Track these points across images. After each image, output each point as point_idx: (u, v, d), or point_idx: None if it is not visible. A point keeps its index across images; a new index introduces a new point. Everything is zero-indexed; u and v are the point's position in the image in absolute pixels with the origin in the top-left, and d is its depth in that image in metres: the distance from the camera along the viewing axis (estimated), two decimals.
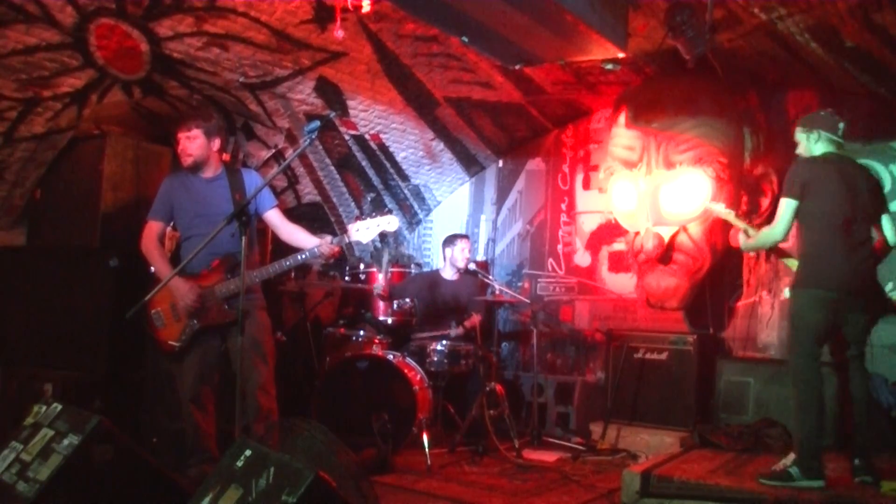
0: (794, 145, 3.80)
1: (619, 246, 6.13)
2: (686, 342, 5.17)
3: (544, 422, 5.71)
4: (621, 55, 4.21)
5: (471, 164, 6.94)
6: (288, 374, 5.08)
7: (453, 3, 3.53)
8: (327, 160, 6.12)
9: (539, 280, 6.63)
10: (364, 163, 6.31)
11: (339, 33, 4.33)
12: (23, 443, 2.86)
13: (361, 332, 5.30)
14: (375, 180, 6.56)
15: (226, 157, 4.18)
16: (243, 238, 3.19)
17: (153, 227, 3.78)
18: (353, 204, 6.65)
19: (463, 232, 6.71)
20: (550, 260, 6.60)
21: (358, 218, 3.74)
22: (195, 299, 3.58)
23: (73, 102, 4.43)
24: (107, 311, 4.24)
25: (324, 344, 5.50)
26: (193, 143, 3.72)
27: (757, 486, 3.48)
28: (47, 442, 2.76)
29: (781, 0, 3.98)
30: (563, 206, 6.57)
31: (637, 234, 5.51)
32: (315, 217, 6.50)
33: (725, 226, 4.91)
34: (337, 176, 6.33)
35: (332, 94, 5.30)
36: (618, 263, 6.17)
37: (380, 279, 6.05)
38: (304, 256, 3.65)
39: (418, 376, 4.97)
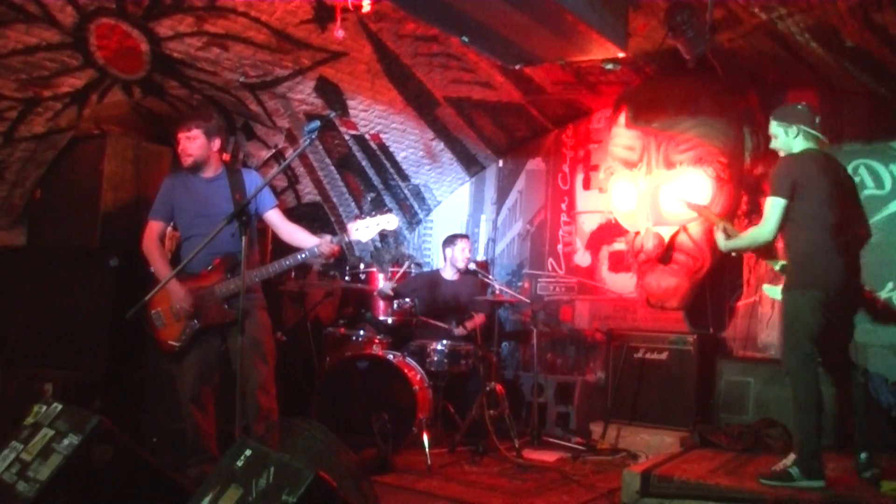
0: None
1: (619, 246, 6.13)
2: (686, 342, 5.17)
3: (544, 422, 5.70)
4: (621, 55, 4.21)
5: (471, 164, 6.94)
6: (288, 374, 5.08)
7: (453, 3, 3.53)
8: (327, 160, 6.12)
9: (539, 280, 6.63)
10: (364, 163, 6.31)
11: (340, 33, 4.33)
12: (23, 442, 2.86)
13: (361, 332, 5.30)
14: (375, 180, 6.56)
15: (226, 157, 4.18)
16: (243, 238, 3.19)
17: (154, 227, 3.79)
18: (353, 204, 6.65)
19: (463, 232, 6.71)
20: (550, 260, 6.60)
21: (357, 217, 3.73)
22: (190, 304, 3.58)
23: (74, 102, 4.43)
24: (107, 311, 4.24)
25: (324, 344, 5.50)
26: (193, 143, 3.72)
27: (757, 485, 3.48)
28: (47, 442, 2.76)
29: (781, 0, 3.98)
30: (564, 206, 6.57)
31: (637, 233, 5.52)
32: (315, 217, 6.50)
33: None
34: (337, 176, 6.33)
35: (332, 94, 5.30)
36: (618, 263, 6.17)
37: (380, 279, 6.06)
38: (303, 256, 3.65)
39: (418, 376, 4.97)
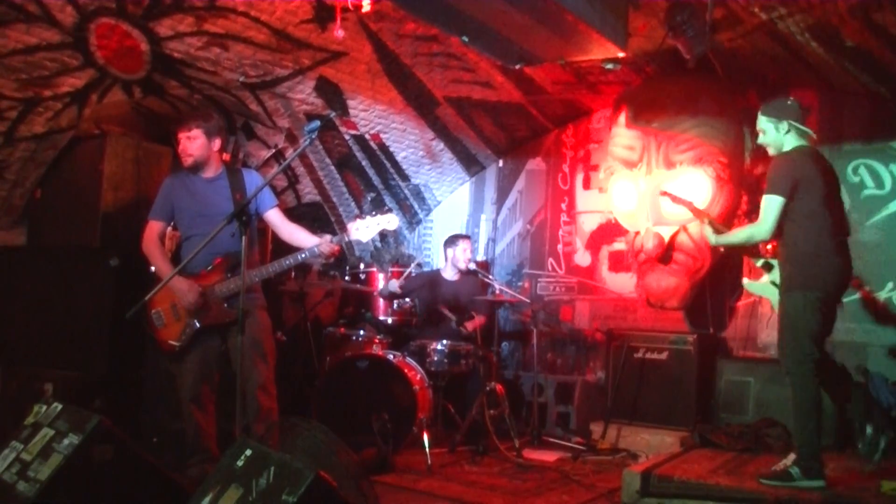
0: None
1: (619, 246, 6.13)
2: (686, 342, 5.17)
3: (544, 421, 5.70)
4: (621, 55, 4.20)
5: (471, 164, 6.94)
6: (288, 374, 5.09)
7: (453, 3, 3.53)
8: (327, 160, 6.12)
9: (539, 280, 6.63)
10: (364, 162, 6.31)
11: (340, 33, 4.34)
12: (23, 442, 2.86)
13: (361, 332, 5.30)
14: (375, 180, 6.56)
15: (226, 156, 4.18)
16: (243, 238, 3.19)
17: (154, 227, 3.79)
18: (353, 204, 6.65)
19: (463, 232, 6.71)
20: (550, 260, 6.60)
21: (358, 216, 3.73)
22: (196, 298, 3.58)
23: (74, 102, 4.43)
24: (107, 311, 4.24)
25: (324, 344, 5.50)
26: (194, 143, 3.72)
27: (757, 485, 3.48)
28: (48, 441, 2.76)
29: (781, 0, 3.98)
30: (564, 206, 6.57)
31: (637, 233, 5.51)
32: (315, 217, 6.50)
33: (725, 225, 4.91)
34: (337, 176, 6.33)
35: (332, 94, 5.30)
36: (618, 263, 6.17)
37: (380, 279, 6.06)
38: (303, 256, 3.65)
39: (418, 376, 4.97)
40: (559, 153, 6.64)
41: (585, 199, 6.45)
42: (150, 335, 3.73)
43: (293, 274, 5.54)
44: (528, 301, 6.05)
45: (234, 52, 4.54)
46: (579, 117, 6.47)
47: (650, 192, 5.36)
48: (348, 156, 6.16)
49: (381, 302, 6.00)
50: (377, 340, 5.18)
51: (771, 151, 3.74)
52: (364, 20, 4.52)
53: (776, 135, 3.64)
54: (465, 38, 3.93)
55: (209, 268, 3.67)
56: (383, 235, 6.99)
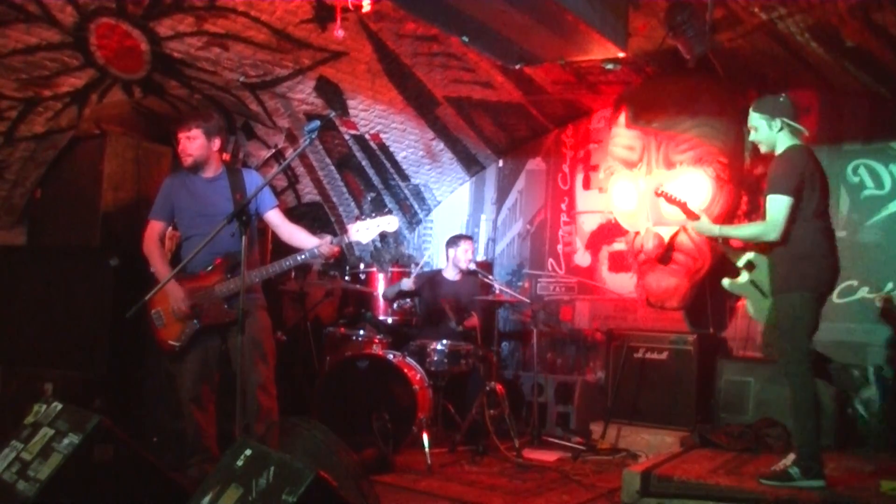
0: None
1: (619, 246, 6.13)
2: (686, 342, 5.17)
3: (544, 421, 5.70)
4: (621, 55, 4.21)
5: (471, 164, 6.94)
6: (288, 374, 5.08)
7: (453, 3, 3.53)
8: (327, 160, 6.12)
9: (539, 280, 6.63)
10: (364, 162, 6.31)
11: (340, 33, 4.33)
12: (23, 442, 2.86)
13: (361, 332, 5.30)
14: (375, 180, 6.56)
15: (226, 156, 4.18)
16: (243, 238, 3.19)
17: (154, 227, 3.78)
18: (353, 204, 6.65)
19: (463, 232, 6.71)
20: (550, 260, 6.60)
21: (358, 218, 3.73)
22: (188, 306, 3.59)
23: (74, 102, 4.43)
24: (107, 311, 4.24)
25: (324, 344, 5.50)
26: (194, 143, 3.71)
27: (757, 485, 3.48)
28: (48, 441, 2.76)
29: (781, 0, 3.98)
30: (564, 206, 6.57)
31: (637, 233, 5.51)
32: (315, 217, 6.50)
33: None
34: (337, 176, 6.33)
35: (332, 94, 5.30)
36: (618, 263, 6.16)
37: (379, 279, 6.06)
38: (303, 256, 3.65)
39: (418, 376, 4.97)
40: (559, 153, 6.64)
41: (585, 200, 6.45)
42: (150, 335, 3.73)
43: (293, 274, 5.54)
44: (528, 301, 6.05)
45: (234, 51, 4.54)
46: (579, 117, 6.47)
47: (650, 192, 5.36)
48: (348, 156, 6.16)
49: (381, 302, 6.00)
50: (377, 340, 5.18)
51: (763, 149, 3.70)
52: (364, 20, 4.52)
53: (768, 132, 3.61)
54: (465, 38, 3.93)
55: (209, 268, 3.66)
56: (383, 236, 6.98)
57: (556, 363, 6.38)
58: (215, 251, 3.59)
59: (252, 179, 3.83)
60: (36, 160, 4.59)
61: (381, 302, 5.98)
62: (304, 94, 5.20)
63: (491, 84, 5.57)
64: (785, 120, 3.57)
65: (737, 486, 3.51)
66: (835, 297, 4.98)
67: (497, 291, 5.54)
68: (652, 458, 4.30)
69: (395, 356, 5.03)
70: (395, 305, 5.56)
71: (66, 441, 2.70)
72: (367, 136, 6.00)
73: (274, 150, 5.70)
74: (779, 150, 3.62)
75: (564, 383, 5.86)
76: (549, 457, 4.95)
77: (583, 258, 6.41)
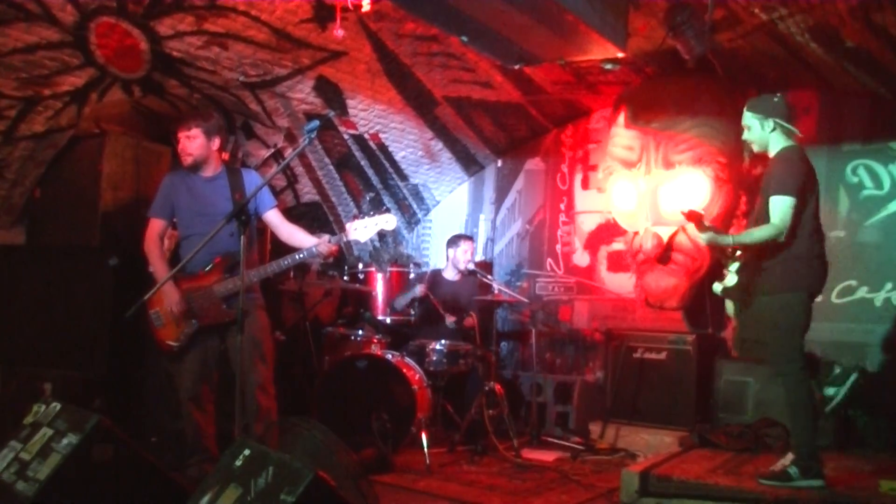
0: None
1: (618, 246, 6.13)
2: (685, 342, 5.18)
3: (543, 421, 5.70)
4: (621, 55, 4.21)
5: (470, 164, 6.94)
6: (287, 374, 5.08)
7: (453, 3, 3.53)
8: (326, 160, 6.12)
9: (538, 280, 6.63)
10: (363, 162, 6.31)
11: (339, 32, 4.33)
12: (22, 442, 2.86)
13: (360, 332, 5.30)
14: (374, 180, 6.55)
15: (225, 156, 4.18)
16: (242, 237, 3.19)
17: (155, 226, 3.79)
18: (352, 203, 6.65)
19: (463, 232, 6.71)
20: (549, 260, 6.60)
21: (356, 216, 3.73)
22: (182, 308, 3.59)
23: (74, 101, 4.43)
24: (107, 311, 4.24)
25: (323, 343, 5.50)
26: (193, 142, 3.71)
27: (756, 485, 3.48)
28: (47, 441, 2.76)
29: (781, 0, 3.98)
30: (562, 206, 6.57)
31: (636, 233, 5.52)
32: (314, 216, 6.50)
33: (724, 225, 4.92)
34: (336, 175, 6.33)
35: (331, 94, 5.30)
36: (617, 263, 6.16)
37: (378, 279, 6.06)
38: (301, 256, 3.65)
39: (417, 376, 4.97)
40: (558, 153, 6.64)
41: (584, 199, 6.45)
42: (149, 335, 3.73)
43: (292, 274, 5.54)
44: (526, 301, 6.05)
45: (233, 51, 4.54)
46: (578, 117, 6.47)
47: (649, 192, 5.37)
48: (347, 155, 6.16)
49: (379, 302, 6.00)
50: (376, 340, 5.18)
51: (755, 148, 3.70)
52: (364, 20, 4.52)
53: (761, 132, 3.61)
54: (465, 38, 3.93)
55: (208, 267, 3.66)
56: (382, 235, 6.98)
57: (555, 363, 6.38)
58: (214, 251, 3.59)
59: (251, 179, 3.83)
60: (35, 159, 4.58)
61: (380, 302, 5.98)
62: (303, 93, 5.20)
63: (490, 84, 5.57)
64: (778, 121, 3.57)
65: (736, 486, 3.51)
66: (834, 298, 4.99)
67: (496, 291, 5.54)
68: (651, 458, 4.30)
69: (394, 356, 5.03)
70: (397, 307, 5.56)
71: (65, 441, 2.70)
72: (366, 136, 6.00)
73: (273, 150, 5.70)
74: (772, 151, 3.62)
75: (563, 383, 5.87)
76: (548, 457, 4.95)
77: (582, 258, 6.41)
